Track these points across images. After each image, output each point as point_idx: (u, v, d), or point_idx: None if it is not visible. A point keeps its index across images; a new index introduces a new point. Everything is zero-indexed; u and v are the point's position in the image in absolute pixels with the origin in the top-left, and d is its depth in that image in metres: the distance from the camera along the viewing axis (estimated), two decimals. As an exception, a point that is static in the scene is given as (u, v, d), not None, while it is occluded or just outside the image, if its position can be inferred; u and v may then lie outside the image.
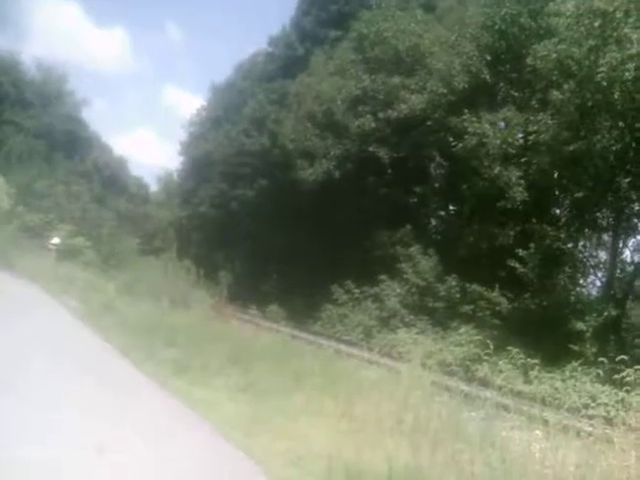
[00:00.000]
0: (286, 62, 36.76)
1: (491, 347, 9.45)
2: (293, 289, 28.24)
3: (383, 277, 22.09)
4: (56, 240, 21.22)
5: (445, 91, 21.31)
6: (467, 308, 19.04)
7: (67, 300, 13.84)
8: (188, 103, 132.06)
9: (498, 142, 19.18)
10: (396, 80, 23.79)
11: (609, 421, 7.18)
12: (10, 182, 32.08)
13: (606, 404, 10.68)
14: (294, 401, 7.43)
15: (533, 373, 10.97)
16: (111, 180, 59.14)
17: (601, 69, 15.04)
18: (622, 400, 10.02)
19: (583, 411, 7.34)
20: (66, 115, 56.97)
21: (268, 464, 5.44)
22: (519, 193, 18.63)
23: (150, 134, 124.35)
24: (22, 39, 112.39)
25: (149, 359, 9.03)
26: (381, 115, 24.26)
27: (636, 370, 8.39)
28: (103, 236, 28.85)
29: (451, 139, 21.00)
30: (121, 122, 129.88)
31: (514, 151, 19.31)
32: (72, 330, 11.22)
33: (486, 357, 10.29)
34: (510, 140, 19.43)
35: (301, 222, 29.00)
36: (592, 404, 9.98)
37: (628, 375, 7.98)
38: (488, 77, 20.52)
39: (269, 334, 13.50)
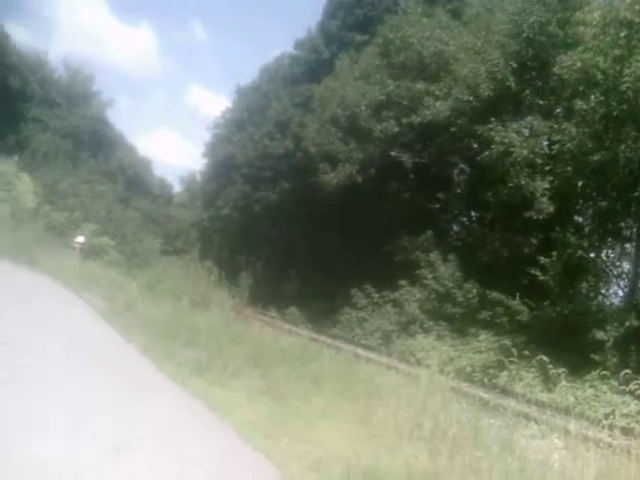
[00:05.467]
0: (311, 65, 36.87)
1: (514, 354, 9.43)
2: (313, 292, 28.32)
3: (403, 282, 22.10)
4: (81, 239, 21.50)
5: (470, 98, 21.19)
6: (486, 315, 18.93)
7: (90, 298, 14.02)
8: (212, 104, 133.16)
9: (525, 152, 19.05)
10: (420, 86, 23.77)
11: (629, 432, 7.14)
12: (36, 181, 32.55)
13: (626, 415, 10.63)
14: (313, 404, 7.47)
15: (555, 382, 10.93)
16: (135, 180, 59.73)
17: (626, 79, 14.96)
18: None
19: (603, 421, 7.28)
20: (92, 115, 57.71)
21: (287, 467, 5.47)
22: (545, 204, 18.54)
23: (174, 134, 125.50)
24: (49, 35, 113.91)
25: (169, 359, 9.12)
26: (404, 121, 24.24)
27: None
28: (127, 236, 29.21)
29: (475, 146, 20.91)
30: (145, 122, 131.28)
31: (540, 160, 19.20)
32: (94, 328, 11.36)
33: (508, 364, 10.27)
34: (536, 149, 19.33)
35: (322, 226, 29.08)
36: (612, 415, 9.93)
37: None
38: (514, 85, 20.39)
39: (288, 336, 13.54)
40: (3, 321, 9.61)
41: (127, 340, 10.35)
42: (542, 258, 18.15)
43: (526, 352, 9.50)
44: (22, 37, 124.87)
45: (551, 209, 18.55)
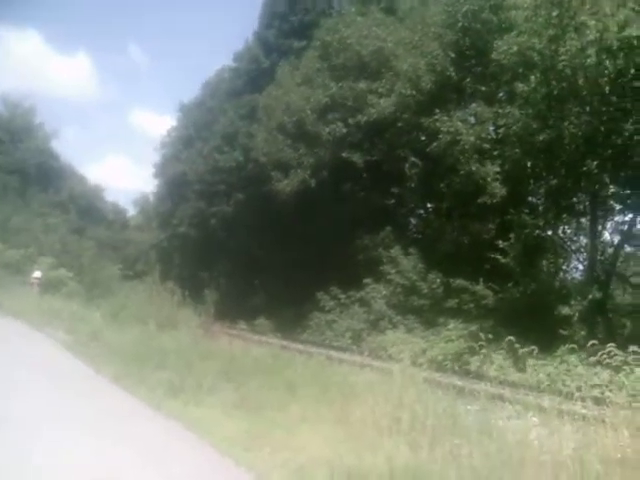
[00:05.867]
0: (252, 76, 36.78)
1: (483, 338, 9.51)
2: (280, 301, 28.20)
3: (368, 280, 22.14)
4: (37, 274, 21.02)
5: (413, 92, 21.44)
6: (452, 302, 19.12)
7: (53, 332, 13.74)
8: (158, 124, 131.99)
9: (472, 139, 19.34)
10: (363, 85, 23.91)
11: (601, 402, 7.27)
12: (-15, 220, 31.81)
13: (598, 385, 10.82)
14: (289, 412, 7.43)
15: (525, 361, 11.08)
16: (88, 209, 58.77)
17: (562, 57, 15.26)
18: (612, 381, 10.18)
19: (576, 394, 7.39)
20: (37, 148, 56.56)
21: (270, 477, 5.43)
22: (497, 188, 18.82)
23: (122, 159, 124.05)
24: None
25: (141, 384, 8.98)
26: (351, 121, 24.36)
27: (625, 350, 8.54)
28: (84, 266, 28.71)
29: (424, 139, 21.12)
30: (93, 150, 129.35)
31: (488, 145, 19.49)
32: (61, 362, 11.13)
33: (478, 349, 10.35)
34: (483, 135, 19.61)
35: (281, 233, 29.01)
36: (584, 387, 10.09)
37: (617, 355, 8.12)
38: (454, 74, 20.70)
39: (259, 347, 13.47)
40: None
41: (96, 371, 10.16)
42: (501, 242, 18.44)
43: (495, 335, 9.63)
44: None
45: (504, 192, 18.85)
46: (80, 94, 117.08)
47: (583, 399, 7.35)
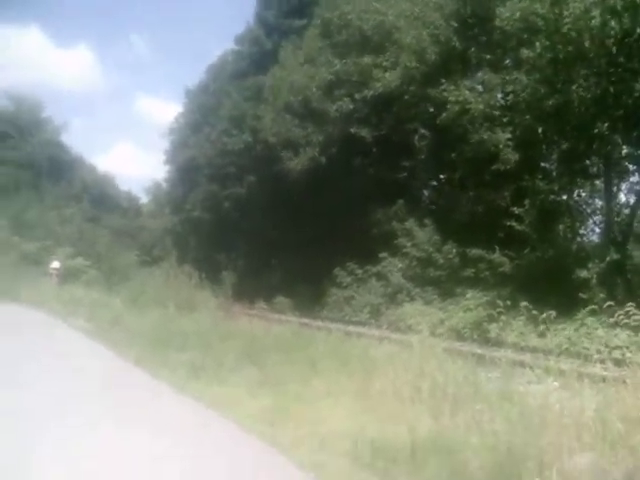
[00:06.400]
0: (255, 58, 36.58)
1: (501, 305, 9.51)
2: (297, 278, 28.27)
3: (384, 254, 22.13)
4: (56, 264, 21.22)
5: (418, 64, 21.24)
6: (469, 272, 19.06)
7: (74, 321, 13.91)
8: (164, 111, 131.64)
9: (481, 107, 19.16)
10: (367, 60, 23.63)
11: (622, 363, 7.27)
12: (1, 215, 32.05)
13: (619, 347, 10.82)
14: (312, 387, 7.51)
15: (545, 326, 11.06)
16: (101, 198, 59.03)
17: (567, 20, 15.06)
18: (632, 341, 10.17)
19: (596, 356, 7.40)
20: (47, 142, 56.78)
21: (294, 451, 5.50)
22: (510, 154, 18.70)
23: (131, 147, 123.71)
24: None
25: (164, 366, 9.09)
26: (357, 96, 24.15)
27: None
28: (101, 254, 28.90)
29: (432, 110, 20.96)
30: (101, 140, 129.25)
31: (498, 112, 19.32)
32: (84, 349, 11.29)
33: (497, 317, 10.35)
34: (492, 103, 19.43)
35: (295, 211, 29.00)
36: (604, 349, 10.10)
37: (635, 315, 8.09)
38: (458, 44, 20.46)
39: (279, 326, 13.57)
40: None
41: (119, 355, 10.30)
42: (516, 208, 18.36)
43: (513, 302, 9.62)
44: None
45: (517, 158, 18.71)
46: (84, 85, 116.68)
47: (603, 361, 7.36)
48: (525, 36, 16.93)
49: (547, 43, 16.11)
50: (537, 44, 16.28)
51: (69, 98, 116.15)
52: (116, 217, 57.39)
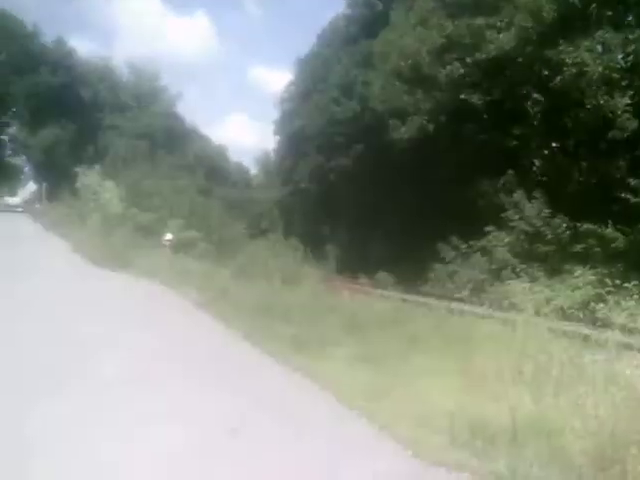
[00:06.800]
0: (367, 21, 35.99)
1: (611, 284, 9.10)
2: (400, 253, 28.07)
3: (490, 228, 21.47)
4: (169, 236, 22.07)
5: (534, 24, 20.28)
6: (579, 248, 18.16)
7: (186, 291, 14.47)
8: (277, 80, 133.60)
9: (600, 69, 18.11)
10: (480, 21, 22.79)
11: None
12: (119, 186, 33.67)
13: None
14: (412, 364, 7.51)
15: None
16: (213, 170, 60.63)
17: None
18: None
19: None
20: (162, 112, 58.96)
21: (393, 427, 5.56)
22: (629, 121, 17.67)
23: (244, 117, 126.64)
24: (110, 42, 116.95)
25: (268, 338, 9.34)
26: (469, 60, 23.42)
27: None
28: (212, 226, 29.75)
29: (546, 73, 20.06)
30: (215, 109, 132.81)
31: (617, 75, 18.23)
32: (193, 318, 11.78)
33: (606, 296, 9.91)
34: (611, 65, 18.32)
35: (400, 183, 28.79)
36: None
37: None
38: (577, 0, 19.35)
39: (380, 301, 13.60)
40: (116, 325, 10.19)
41: (227, 327, 10.67)
42: (632, 180, 17.38)
43: (625, 281, 9.15)
44: (85, 48, 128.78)
45: (635, 126, 17.67)
46: (201, 55, 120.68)
47: None
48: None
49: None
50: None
51: (187, 67, 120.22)
52: (227, 189, 58.80)
